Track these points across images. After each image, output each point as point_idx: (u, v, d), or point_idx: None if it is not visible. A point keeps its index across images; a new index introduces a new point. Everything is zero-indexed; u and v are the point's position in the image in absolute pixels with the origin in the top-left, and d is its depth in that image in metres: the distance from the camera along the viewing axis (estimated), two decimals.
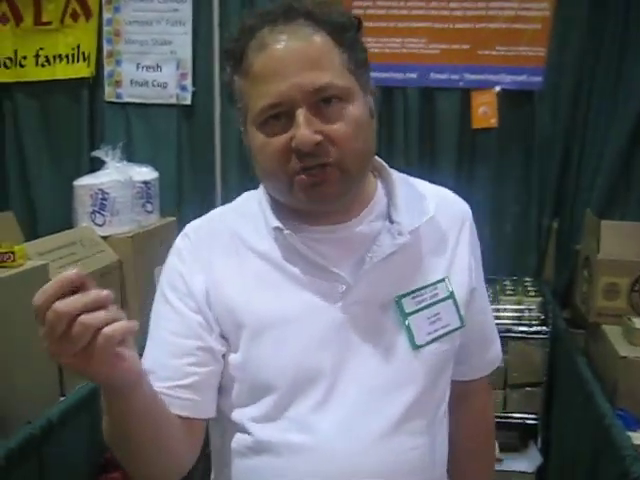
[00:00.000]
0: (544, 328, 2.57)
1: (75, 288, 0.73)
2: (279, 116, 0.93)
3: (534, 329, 2.58)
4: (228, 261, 1.02)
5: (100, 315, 0.73)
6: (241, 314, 1.00)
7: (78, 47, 2.96)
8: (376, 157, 1.09)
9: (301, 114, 0.91)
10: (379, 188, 1.08)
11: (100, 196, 2.15)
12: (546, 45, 2.66)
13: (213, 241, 1.05)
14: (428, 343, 1.02)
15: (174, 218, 2.46)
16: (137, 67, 2.97)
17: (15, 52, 2.98)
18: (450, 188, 3.27)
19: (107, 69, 3.00)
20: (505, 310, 2.59)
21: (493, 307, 2.54)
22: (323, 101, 0.93)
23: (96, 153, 2.32)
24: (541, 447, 2.65)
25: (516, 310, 2.59)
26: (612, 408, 1.86)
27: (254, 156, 0.99)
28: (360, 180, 1.00)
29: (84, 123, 3.02)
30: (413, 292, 1.02)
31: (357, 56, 0.98)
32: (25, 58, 2.98)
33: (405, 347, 1.01)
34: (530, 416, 2.64)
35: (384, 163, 1.10)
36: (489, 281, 2.71)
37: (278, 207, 1.03)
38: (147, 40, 2.94)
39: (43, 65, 2.98)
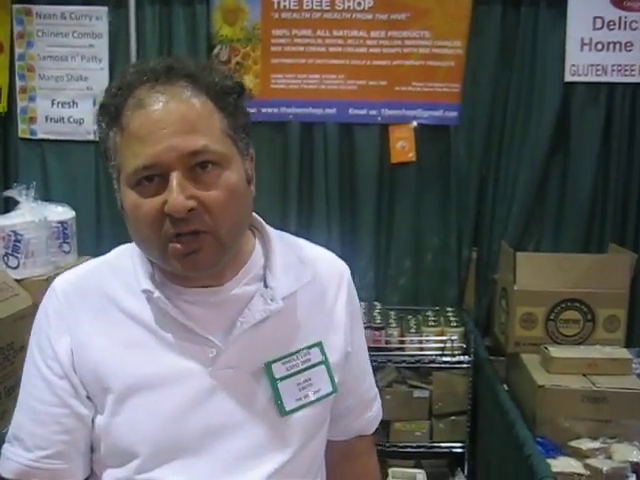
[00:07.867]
0: (466, 357, 2.62)
1: None
2: (152, 178, 0.90)
3: (457, 359, 2.63)
4: (95, 322, 0.98)
5: None
6: (107, 378, 0.96)
7: None
8: (256, 216, 1.07)
9: (175, 178, 0.88)
10: (257, 247, 1.05)
11: (13, 238, 2.08)
12: (460, 82, 2.75)
13: (81, 300, 1.00)
14: (297, 409, 1.00)
15: (92, 257, 2.39)
16: (52, 103, 2.90)
17: None
18: (371, 221, 3.29)
19: (20, 105, 2.91)
20: (428, 342, 2.63)
21: (417, 339, 2.60)
22: (199, 166, 0.90)
23: (9, 193, 2.23)
24: (468, 475, 2.68)
25: (439, 341, 2.63)
26: (532, 436, 1.91)
27: (127, 216, 0.95)
28: (233, 248, 0.97)
29: None
30: (284, 357, 1.00)
31: (238, 121, 0.96)
32: None
33: (274, 413, 0.99)
34: (457, 444, 2.68)
35: (263, 222, 1.08)
36: (412, 312, 2.79)
37: (151, 265, 1.00)
38: (62, 76, 2.88)
39: None
